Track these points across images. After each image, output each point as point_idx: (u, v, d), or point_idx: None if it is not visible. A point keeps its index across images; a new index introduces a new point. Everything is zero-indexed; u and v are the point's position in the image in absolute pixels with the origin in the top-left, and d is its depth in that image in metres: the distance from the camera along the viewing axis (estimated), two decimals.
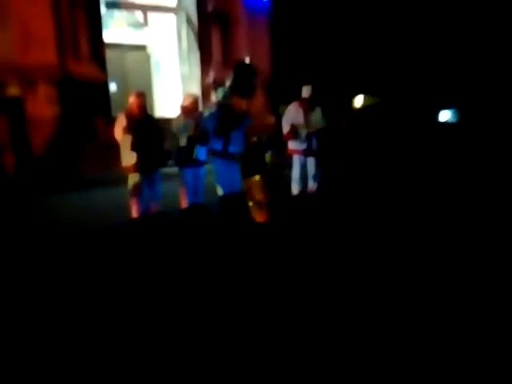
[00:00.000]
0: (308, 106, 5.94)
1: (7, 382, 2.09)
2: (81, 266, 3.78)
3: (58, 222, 5.62)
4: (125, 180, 5.03)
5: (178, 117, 5.23)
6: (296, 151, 6.05)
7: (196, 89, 13.16)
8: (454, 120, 17.02)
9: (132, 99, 4.86)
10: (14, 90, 10.15)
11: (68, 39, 10.82)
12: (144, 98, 4.98)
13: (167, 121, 5.88)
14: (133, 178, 4.90)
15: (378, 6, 16.17)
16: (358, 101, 16.85)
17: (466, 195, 5.98)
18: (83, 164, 9.65)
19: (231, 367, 2.09)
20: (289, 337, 2.33)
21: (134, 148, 4.76)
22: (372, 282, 3.02)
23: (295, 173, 6.09)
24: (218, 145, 3.55)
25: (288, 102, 6.22)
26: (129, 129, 4.73)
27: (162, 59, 14.64)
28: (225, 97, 3.68)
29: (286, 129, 5.98)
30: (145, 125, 4.87)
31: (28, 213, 6.54)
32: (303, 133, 5.93)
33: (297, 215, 5.18)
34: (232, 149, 3.53)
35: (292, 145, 6.06)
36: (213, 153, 3.74)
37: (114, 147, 5.09)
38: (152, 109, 12.81)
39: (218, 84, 11.83)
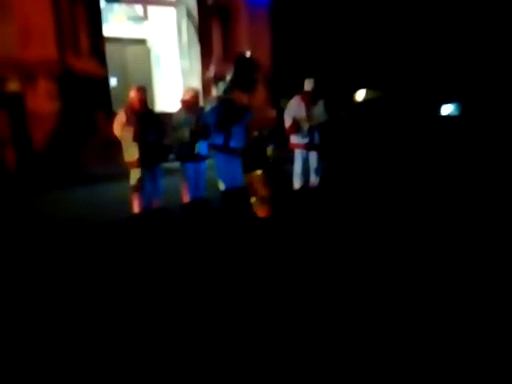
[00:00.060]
0: (310, 100, 5.89)
1: (7, 381, 2.09)
2: (83, 261, 3.78)
3: (59, 218, 5.62)
4: (126, 175, 5.01)
5: (179, 111, 5.20)
6: (298, 145, 6.02)
7: (196, 83, 13.10)
8: (456, 113, 16.92)
9: (133, 93, 4.83)
10: (14, 86, 10.12)
11: (68, 34, 10.75)
12: (145, 92, 4.94)
13: (168, 115, 5.85)
14: (135, 173, 4.88)
15: None
16: (360, 94, 16.76)
17: (468, 189, 5.95)
18: (84, 159, 9.64)
19: (231, 362, 2.08)
20: (289, 333, 2.32)
21: (135, 139, 4.71)
22: (373, 278, 3.01)
23: (297, 167, 6.06)
24: (218, 139, 3.53)
25: (289, 96, 6.17)
26: (130, 122, 4.71)
27: (162, 53, 14.57)
28: (226, 91, 3.65)
29: (288, 122, 5.94)
30: (146, 119, 4.84)
31: (29, 208, 6.53)
32: (305, 126, 5.89)
33: (299, 210, 5.16)
34: (233, 143, 3.51)
35: (294, 139, 6.02)
36: (214, 147, 3.73)
37: (115, 142, 5.07)
38: (152, 103, 12.77)
39: (218, 78, 11.76)
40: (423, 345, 2.14)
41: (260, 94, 10.98)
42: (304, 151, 6.02)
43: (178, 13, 14.07)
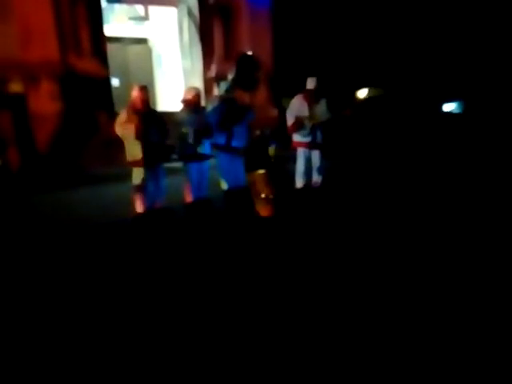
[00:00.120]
0: (313, 98, 5.87)
1: (7, 381, 2.09)
2: (85, 261, 3.78)
3: (62, 218, 5.63)
4: (129, 175, 5.01)
5: (181, 111, 5.19)
6: (300, 144, 6.00)
7: (198, 82, 13.09)
8: (458, 111, 16.86)
9: (135, 93, 4.82)
10: (16, 87, 10.14)
11: (69, 34, 10.77)
12: (147, 91, 4.93)
13: (170, 115, 5.85)
14: (138, 173, 4.87)
15: None
16: (362, 92, 16.71)
17: (470, 186, 5.92)
18: (86, 159, 9.66)
19: (232, 359, 2.08)
20: (290, 331, 2.32)
21: (138, 137, 4.69)
22: (375, 277, 3.00)
23: (299, 166, 6.05)
24: (221, 139, 3.53)
25: (291, 95, 6.15)
26: (131, 120, 4.69)
27: (163, 53, 14.57)
28: (227, 90, 3.65)
29: (290, 121, 5.92)
30: (148, 119, 4.83)
31: (32, 208, 6.55)
32: (308, 125, 5.88)
33: (301, 209, 5.15)
34: (235, 143, 3.51)
35: (296, 137, 6.00)
36: (216, 147, 3.72)
37: (117, 142, 5.06)
38: (154, 103, 12.77)
39: (220, 77, 11.74)
40: (423, 345, 2.14)
41: (262, 93, 10.96)
42: (306, 150, 6.00)
43: (179, 12, 14.07)
